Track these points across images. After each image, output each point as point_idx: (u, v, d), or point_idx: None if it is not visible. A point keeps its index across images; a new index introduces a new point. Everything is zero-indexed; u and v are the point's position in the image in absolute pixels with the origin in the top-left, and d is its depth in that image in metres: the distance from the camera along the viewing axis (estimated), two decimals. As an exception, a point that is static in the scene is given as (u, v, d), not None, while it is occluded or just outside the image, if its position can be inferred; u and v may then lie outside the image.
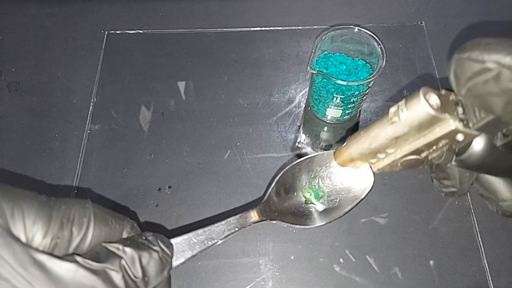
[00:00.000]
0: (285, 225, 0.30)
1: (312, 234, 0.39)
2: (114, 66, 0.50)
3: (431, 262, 0.37)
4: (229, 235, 0.28)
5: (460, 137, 0.22)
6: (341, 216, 0.31)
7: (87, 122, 0.46)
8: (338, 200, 0.32)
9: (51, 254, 0.19)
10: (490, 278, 0.37)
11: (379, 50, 0.38)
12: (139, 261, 0.21)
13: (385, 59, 0.37)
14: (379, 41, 0.38)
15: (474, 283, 0.37)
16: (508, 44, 0.19)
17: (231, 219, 0.28)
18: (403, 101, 0.23)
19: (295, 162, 0.32)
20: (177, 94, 0.48)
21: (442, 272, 0.37)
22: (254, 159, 0.43)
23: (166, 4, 0.55)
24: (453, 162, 0.26)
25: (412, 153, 0.24)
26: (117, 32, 0.52)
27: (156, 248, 0.23)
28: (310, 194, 0.32)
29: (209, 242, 0.27)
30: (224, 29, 0.52)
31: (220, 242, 0.27)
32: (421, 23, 0.53)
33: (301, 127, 0.45)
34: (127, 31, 0.52)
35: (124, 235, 0.23)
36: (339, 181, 0.32)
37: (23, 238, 0.19)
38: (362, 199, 0.30)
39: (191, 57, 0.50)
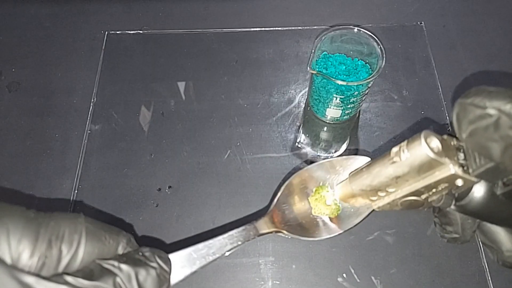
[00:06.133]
0: (290, 237, 0.29)
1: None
2: (114, 66, 0.50)
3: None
4: (232, 249, 0.26)
5: (459, 182, 0.23)
6: (351, 228, 0.29)
7: (87, 122, 0.46)
8: (348, 210, 0.30)
9: (38, 275, 0.18)
10: (489, 278, 0.37)
11: (379, 50, 0.38)
12: (135, 279, 0.20)
13: (384, 59, 0.37)
14: (378, 41, 0.38)
15: (474, 283, 0.37)
16: (509, 93, 0.19)
17: (233, 232, 0.27)
18: (405, 142, 0.23)
19: (301, 170, 0.31)
20: (177, 94, 0.48)
21: (441, 272, 0.37)
22: (254, 159, 0.43)
23: (166, 4, 0.55)
24: (453, 207, 0.27)
25: (412, 194, 0.25)
26: (117, 32, 0.52)
27: (154, 264, 0.22)
28: (319, 204, 0.31)
29: (210, 257, 0.25)
30: (224, 29, 0.52)
31: (227, 254, 0.26)
32: (421, 23, 0.53)
33: (301, 127, 0.45)
34: (127, 32, 0.52)
35: (120, 251, 0.22)
36: None
37: (7, 259, 0.18)
38: (373, 209, 0.29)
39: (191, 57, 0.50)
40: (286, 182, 0.31)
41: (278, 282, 0.37)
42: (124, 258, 0.21)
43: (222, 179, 0.42)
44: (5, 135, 0.45)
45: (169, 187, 0.42)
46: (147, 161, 0.43)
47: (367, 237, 0.39)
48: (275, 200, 0.30)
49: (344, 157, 0.31)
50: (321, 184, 0.31)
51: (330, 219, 0.31)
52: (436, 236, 0.39)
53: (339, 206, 0.31)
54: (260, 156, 0.43)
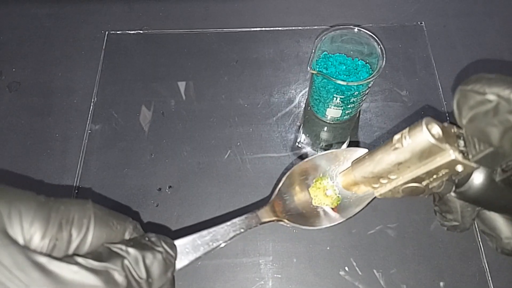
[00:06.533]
0: (291, 225, 0.30)
1: (312, 234, 0.39)
2: (115, 66, 0.50)
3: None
4: (234, 236, 0.27)
5: (459, 168, 0.23)
6: (351, 217, 0.30)
7: (88, 122, 0.46)
8: (348, 200, 0.31)
9: (50, 255, 0.19)
10: (490, 278, 0.37)
11: (379, 50, 0.38)
12: (143, 262, 0.21)
13: (385, 59, 0.37)
14: (379, 41, 0.38)
15: (474, 283, 0.37)
16: (508, 80, 0.20)
17: (236, 220, 0.27)
18: (407, 129, 0.24)
19: (302, 161, 0.32)
20: (177, 94, 0.48)
21: (442, 272, 0.37)
22: (254, 159, 0.43)
23: (166, 4, 0.55)
24: (453, 194, 0.27)
25: (413, 180, 0.25)
26: (118, 32, 0.52)
27: (160, 249, 0.22)
28: (319, 194, 0.31)
29: (214, 244, 0.26)
30: (224, 29, 0.52)
31: (224, 244, 0.26)
32: (421, 23, 0.53)
33: (301, 127, 0.45)
34: (127, 31, 0.52)
35: (126, 236, 0.23)
36: None
37: (20, 240, 0.18)
38: (374, 198, 0.29)
39: (191, 57, 0.50)
40: (288, 173, 0.31)
41: (278, 282, 0.37)
42: (131, 243, 0.22)
43: (222, 179, 0.42)
44: (5, 135, 0.45)
45: (169, 187, 0.42)
46: (147, 161, 0.43)
47: (367, 236, 0.39)
48: (277, 190, 0.31)
49: (344, 148, 0.32)
50: (321, 175, 0.32)
51: (331, 208, 0.32)
52: (436, 235, 0.39)
53: (339, 196, 0.31)
54: (260, 156, 0.43)
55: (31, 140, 0.45)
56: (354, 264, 0.38)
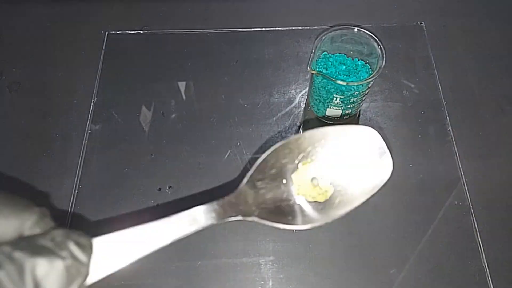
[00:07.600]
0: (263, 223, 0.23)
1: (312, 234, 0.39)
2: (115, 66, 0.50)
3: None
4: (177, 238, 0.20)
5: None
6: (342, 215, 0.23)
7: (88, 122, 0.46)
8: (339, 193, 0.25)
9: None
10: (490, 278, 0.37)
11: (379, 50, 0.38)
12: (30, 273, 0.15)
13: (384, 59, 0.37)
14: (378, 41, 0.38)
15: (474, 283, 0.37)
16: None
17: (181, 214, 0.21)
18: None
19: (287, 139, 0.25)
20: (177, 94, 0.48)
21: (442, 272, 0.37)
22: (254, 159, 0.43)
23: (166, 4, 0.55)
24: None
25: None
26: (118, 32, 0.52)
27: (63, 253, 0.17)
28: (304, 183, 0.25)
29: (154, 247, 0.19)
30: (224, 29, 0.52)
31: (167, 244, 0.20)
32: (421, 23, 0.53)
33: (301, 127, 0.45)
34: (127, 32, 0.52)
35: (26, 232, 0.17)
36: (343, 164, 0.24)
37: None
38: (375, 193, 0.23)
39: (191, 57, 0.50)
40: (265, 154, 0.24)
41: (278, 282, 0.37)
42: (24, 243, 0.16)
43: (222, 179, 0.42)
44: (5, 135, 0.45)
45: (169, 187, 0.42)
46: (147, 161, 0.43)
47: (367, 236, 0.39)
48: (246, 177, 0.23)
49: (336, 126, 0.25)
50: (309, 160, 0.25)
51: (316, 202, 0.25)
52: (436, 236, 0.39)
53: (330, 187, 0.25)
54: (260, 156, 0.43)
55: (31, 140, 0.45)
56: (356, 264, 0.38)
